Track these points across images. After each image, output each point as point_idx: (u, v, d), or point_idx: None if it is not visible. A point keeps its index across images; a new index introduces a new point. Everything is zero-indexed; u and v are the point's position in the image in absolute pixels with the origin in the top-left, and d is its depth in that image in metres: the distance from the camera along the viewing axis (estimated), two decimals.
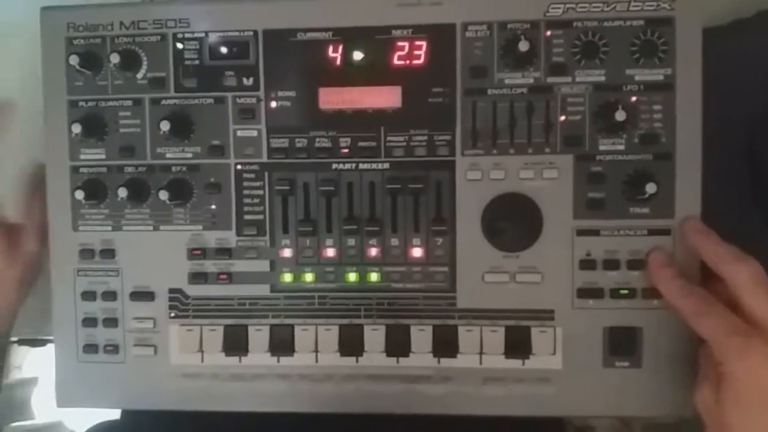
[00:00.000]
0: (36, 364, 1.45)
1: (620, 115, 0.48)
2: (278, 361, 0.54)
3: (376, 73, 0.52)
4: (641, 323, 0.51)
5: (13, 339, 0.95)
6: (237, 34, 0.53)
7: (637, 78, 0.50)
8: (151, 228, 0.54)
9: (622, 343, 0.52)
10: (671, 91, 0.50)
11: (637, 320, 0.51)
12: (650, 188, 0.49)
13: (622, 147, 0.51)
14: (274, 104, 0.53)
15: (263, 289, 0.54)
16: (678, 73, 0.50)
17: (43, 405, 1.41)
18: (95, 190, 0.54)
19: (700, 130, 0.50)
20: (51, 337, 0.57)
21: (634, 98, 0.50)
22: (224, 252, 0.54)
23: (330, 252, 0.53)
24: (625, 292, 0.51)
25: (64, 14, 0.54)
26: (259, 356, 0.54)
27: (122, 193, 0.52)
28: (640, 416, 0.53)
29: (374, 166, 0.53)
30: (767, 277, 0.44)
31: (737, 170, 0.59)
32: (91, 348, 0.55)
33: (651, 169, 0.50)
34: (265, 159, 0.53)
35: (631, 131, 0.51)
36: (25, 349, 1.46)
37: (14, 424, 1.34)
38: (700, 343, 0.48)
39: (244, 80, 0.53)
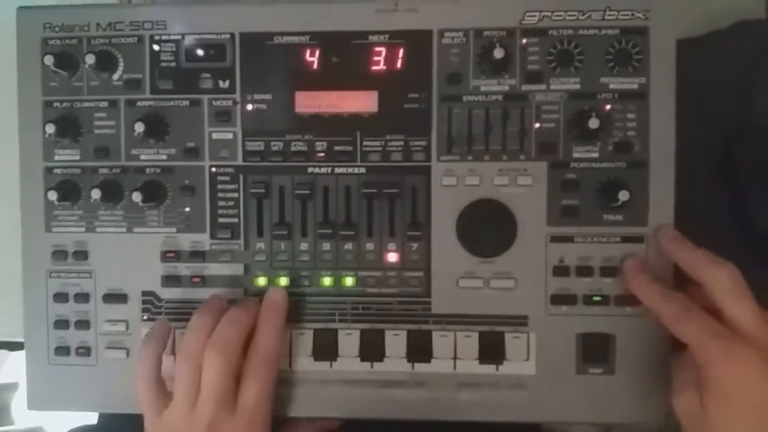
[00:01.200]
0: (16, 369, 1.44)
1: (594, 123, 0.49)
2: None
3: (352, 77, 0.52)
4: (614, 330, 0.52)
5: None
6: (214, 36, 0.53)
7: (611, 86, 0.51)
8: (124, 230, 0.54)
9: (595, 350, 0.52)
10: (645, 100, 0.51)
11: (610, 327, 0.52)
12: (623, 196, 0.49)
13: (596, 155, 0.51)
14: (250, 107, 0.53)
15: (237, 293, 0.53)
16: (652, 82, 0.51)
17: (23, 410, 1.40)
18: (69, 191, 0.53)
19: (674, 139, 0.51)
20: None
21: (608, 106, 0.51)
22: (198, 255, 0.53)
23: (305, 256, 0.53)
24: (598, 298, 0.51)
25: (41, 14, 0.54)
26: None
27: (96, 194, 0.52)
28: (614, 423, 0.53)
29: (350, 170, 0.53)
30: (744, 281, 0.44)
31: (712, 180, 0.60)
32: (62, 350, 0.55)
33: (624, 176, 0.51)
34: (240, 162, 0.53)
35: (605, 139, 0.51)
36: (3, 353, 1.45)
37: None
38: (673, 351, 0.49)
39: (221, 83, 0.53)
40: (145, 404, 0.50)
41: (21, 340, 0.57)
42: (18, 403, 1.40)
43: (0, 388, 1.39)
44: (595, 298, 0.51)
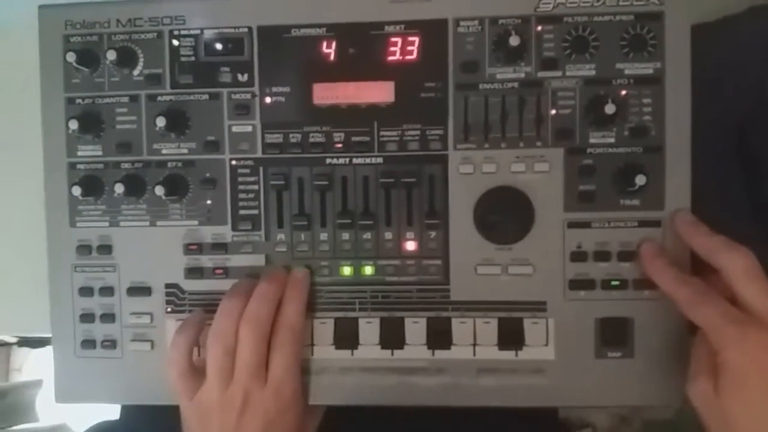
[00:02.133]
0: (40, 366, 1.46)
1: (610, 109, 0.49)
2: None
3: (369, 68, 0.53)
4: (632, 314, 0.52)
5: (13, 340, 0.96)
6: (232, 30, 0.53)
7: (626, 72, 0.51)
8: (147, 223, 0.55)
9: (614, 334, 0.52)
10: (660, 85, 0.51)
11: (628, 311, 0.52)
12: (640, 180, 0.49)
13: (612, 140, 0.51)
14: (268, 100, 0.54)
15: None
16: (667, 67, 0.51)
17: (47, 407, 1.42)
18: (92, 186, 0.54)
19: (689, 123, 0.51)
20: (50, 336, 0.57)
21: (623, 92, 0.51)
22: (220, 247, 0.54)
23: (324, 246, 0.54)
24: (616, 283, 0.52)
25: (62, 12, 0.55)
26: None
27: (119, 189, 0.53)
28: (633, 405, 0.53)
29: (368, 160, 0.53)
30: (760, 266, 0.45)
31: (727, 164, 0.59)
32: (88, 343, 0.56)
33: (641, 161, 0.51)
34: (259, 154, 0.54)
35: (621, 124, 0.51)
36: (25, 350, 1.47)
37: (18, 427, 1.34)
38: (692, 334, 0.49)
39: (239, 76, 0.54)
40: (179, 389, 0.51)
41: (44, 335, 0.58)
42: (42, 400, 1.42)
43: (24, 386, 1.40)
44: (614, 283, 0.52)
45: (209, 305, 0.54)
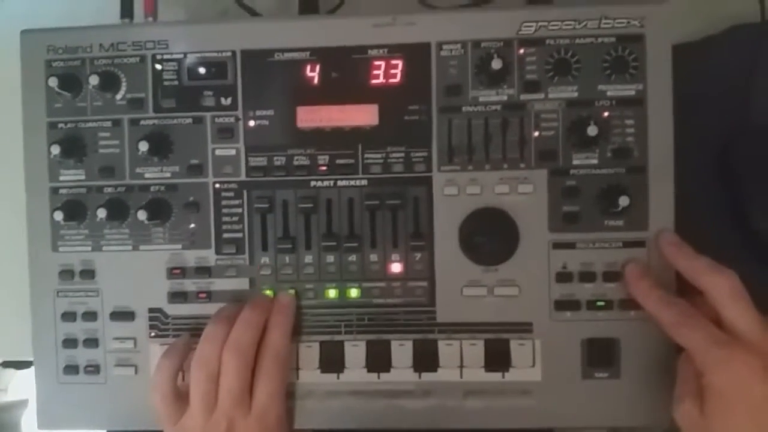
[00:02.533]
0: (26, 387, 1.44)
1: (593, 130, 0.49)
2: None
3: (353, 91, 0.53)
4: (619, 334, 0.52)
5: None
6: (215, 54, 0.53)
7: (609, 93, 0.51)
8: (130, 248, 0.55)
9: (600, 354, 0.52)
10: (643, 106, 0.51)
11: (614, 331, 0.52)
12: (623, 201, 0.49)
13: (595, 161, 0.52)
14: (252, 123, 0.53)
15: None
16: (649, 88, 0.51)
17: (33, 427, 1.40)
18: (75, 210, 0.54)
19: (672, 144, 0.51)
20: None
21: (606, 113, 0.51)
22: (204, 270, 0.54)
23: (309, 269, 0.53)
24: (602, 303, 0.52)
25: (44, 37, 0.55)
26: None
27: (101, 213, 0.52)
28: (620, 426, 0.53)
29: (352, 183, 0.53)
30: (744, 289, 0.45)
31: (711, 183, 0.60)
32: (71, 369, 0.55)
33: (624, 182, 0.51)
34: (243, 177, 0.54)
35: (603, 146, 0.51)
36: (10, 371, 1.45)
37: None
38: (678, 354, 0.49)
39: (223, 100, 0.54)
40: (163, 414, 0.51)
41: (29, 359, 0.57)
42: (28, 420, 1.40)
43: (10, 406, 1.39)
44: (599, 303, 0.52)
45: (193, 329, 0.54)
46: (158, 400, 0.51)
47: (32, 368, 0.58)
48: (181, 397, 0.51)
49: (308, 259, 0.53)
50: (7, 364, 0.95)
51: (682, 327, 0.45)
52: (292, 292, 0.54)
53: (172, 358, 0.52)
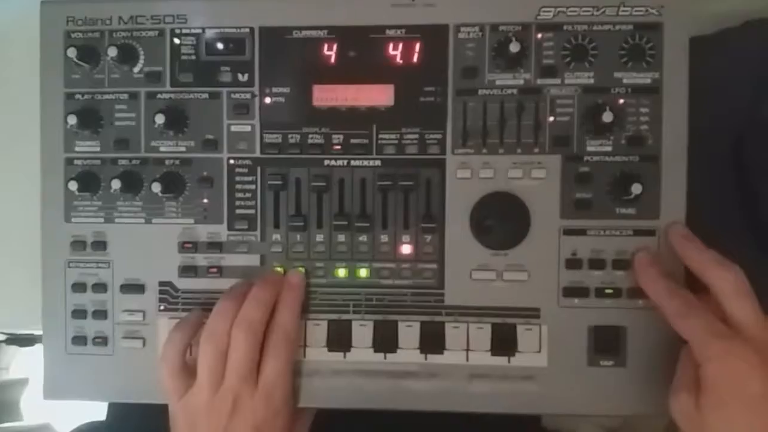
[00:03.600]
0: (28, 365, 1.45)
1: (607, 117, 0.49)
2: None
3: (369, 71, 0.53)
4: (626, 322, 0.52)
5: (1, 338, 0.95)
6: (233, 30, 0.54)
7: (624, 81, 0.51)
8: (143, 221, 0.55)
9: (606, 342, 0.52)
10: (658, 95, 0.51)
11: (621, 319, 0.52)
12: (636, 189, 0.49)
13: (609, 148, 0.52)
14: (268, 100, 0.54)
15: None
16: (665, 77, 0.51)
17: (32, 406, 1.41)
18: (89, 181, 0.54)
19: (686, 134, 0.51)
20: (40, 333, 0.57)
21: (621, 101, 0.51)
22: (215, 246, 0.54)
23: (320, 247, 0.54)
24: (610, 291, 0.52)
25: (64, 8, 0.55)
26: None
27: (115, 185, 0.52)
28: (625, 414, 0.53)
29: (366, 162, 0.53)
30: (749, 284, 0.45)
31: (723, 176, 0.60)
32: (80, 340, 0.55)
33: (637, 170, 0.51)
34: (258, 154, 0.54)
35: (618, 133, 0.52)
36: (13, 348, 1.46)
37: (2, 425, 1.33)
38: (683, 345, 0.49)
39: (239, 76, 0.54)
40: (170, 387, 0.51)
41: (32, 332, 0.57)
42: (28, 398, 1.41)
43: (10, 384, 1.40)
44: (608, 291, 0.52)
45: (203, 304, 0.54)
46: (166, 373, 0.51)
47: (35, 346, 0.58)
48: (188, 372, 0.51)
49: (319, 237, 0.54)
50: (11, 341, 0.96)
51: (684, 317, 0.45)
52: (302, 270, 0.54)
53: (183, 332, 0.52)
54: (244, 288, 0.52)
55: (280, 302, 0.52)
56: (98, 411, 0.72)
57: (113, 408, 0.71)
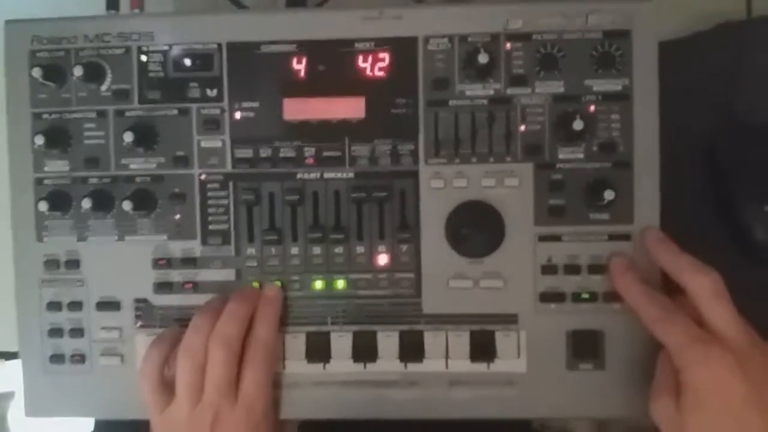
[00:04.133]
0: (11, 378, 1.44)
1: (578, 125, 0.49)
2: None
3: (340, 84, 0.53)
4: (603, 326, 0.52)
5: None
6: (201, 46, 0.53)
7: (595, 88, 0.52)
8: (116, 238, 0.54)
9: (584, 346, 0.53)
10: (629, 101, 0.52)
11: (599, 323, 0.52)
12: (609, 195, 0.50)
13: (581, 155, 0.52)
14: (238, 115, 0.53)
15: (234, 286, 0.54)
16: (635, 84, 0.51)
17: (19, 420, 1.40)
18: (59, 201, 0.54)
19: (657, 139, 0.52)
20: None
21: (592, 108, 0.52)
22: (189, 261, 0.54)
23: (295, 260, 0.54)
24: (587, 296, 0.52)
25: (29, 27, 0.54)
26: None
27: (86, 203, 0.52)
28: (605, 417, 0.54)
29: (339, 175, 0.53)
30: (725, 288, 0.45)
31: (698, 180, 0.61)
32: (57, 358, 0.55)
33: (610, 176, 0.51)
34: (229, 169, 0.54)
35: (589, 140, 0.52)
36: None
37: None
38: (661, 347, 0.50)
39: (208, 92, 0.53)
40: (150, 403, 0.51)
41: (16, 349, 0.57)
42: (14, 412, 1.40)
43: None
44: (584, 296, 0.52)
45: (180, 320, 0.54)
46: (146, 389, 0.51)
47: (19, 360, 0.58)
48: (168, 387, 0.51)
49: (294, 250, 0.54)
50: None
51: (662, 322, 0.46)
52: (278, 284, 0.54)
53: (161, 347, 0.52)
54: (220, 302, 0.52)
55: (257, 316, 0.52)
56: (85, 425, 0.72)
57: (99, 422, 0.71)
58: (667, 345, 0.45)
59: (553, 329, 0.53)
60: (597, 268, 0.52)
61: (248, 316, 0.51)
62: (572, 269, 0.52)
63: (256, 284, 0.54)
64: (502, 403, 0.53)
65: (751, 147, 0.58)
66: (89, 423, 0.72)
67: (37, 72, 0.52)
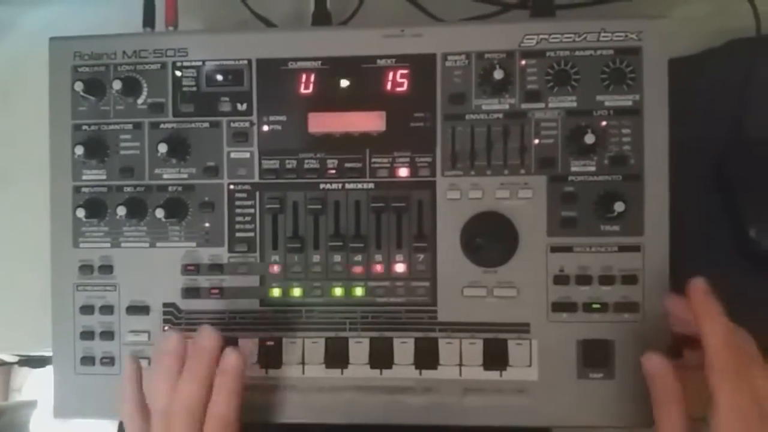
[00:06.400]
0: (40, 386, 1.47)
1: (590, 139, 0.51)
2: (266, 372, 0.56)
3: (362, 99, 0.55)
4: (613, 336, 0.53)
5: (13, 360, 0.97)
6: (232, 62, 0.56)
7: (606, 104, 0.53)
8: (147, 245, 0.57)
9: (595, 355, 0.54)
10: (639, 116, 0.53)
11: (609, 333, 0.54)
12: (619, 207, 0.51)
13: (593, 168, 0.54)
14: (266, 128, 0.56)
15: (253, 304, 0.56)
16: (646, 99, 0.53)
17: (40, 428, 1.42)
18: (96, 208, 0.56)
19: (667, 153, 0.53)
20: (50, 355, 0.59)
21: (604, 122, 0.53)
22: (216, 268, 0.56)
23: (317, 268, 0.56)
24: (598, 306, 0.53)
25: (71, 44, 0.58)
26: (248, 368, 0.55)
27: (121, 211, 0.55)
28: (614, 425, 0.55)
29: (360, 186, 0.55)
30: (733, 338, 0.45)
31: (708, 194, 0.61)
32: (88, 360, 0.57)
33: (620, 189, 0.53)
34: (256, 179, 0.56)
35: (601, 153, 0.53)
36: (25, 370, 1.48)
37: None
38: (672, 356, 0.50)
39: (238, 106, 0.56)
40: (127, 427, 0.51)
41: (44, 353, 0.59)
42: (36, 421, 1.42)
43: (19, 406, 1.41)
44: (595, 306, 0.53)
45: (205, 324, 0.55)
46: (126, 414, 0.51)
47: (48, 368, 0.59)
48: (146, 413, 0.50)
49: (316, 258, 0.56)
50: (23, 363, 0.98)
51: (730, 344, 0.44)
52: (297, 293, 0.56)
53: (132, 385, 0.51)
54: (180, 346, 0.50)
55: (216, 384, 0.49)
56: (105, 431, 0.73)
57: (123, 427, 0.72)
58: (708, 348, 0.44)
59: (565, 338, 0.54)
60: (607, 279, 0.53)
61: (209, 379, 0.49)
62: (583, 279, 0.54)
63: (277, 291, 0.56)
64: (513, 410, 0.54)
65: (761, 161, 0.59)
66: (111, 429, 0.73)
67: (78, 86, 0.55)
